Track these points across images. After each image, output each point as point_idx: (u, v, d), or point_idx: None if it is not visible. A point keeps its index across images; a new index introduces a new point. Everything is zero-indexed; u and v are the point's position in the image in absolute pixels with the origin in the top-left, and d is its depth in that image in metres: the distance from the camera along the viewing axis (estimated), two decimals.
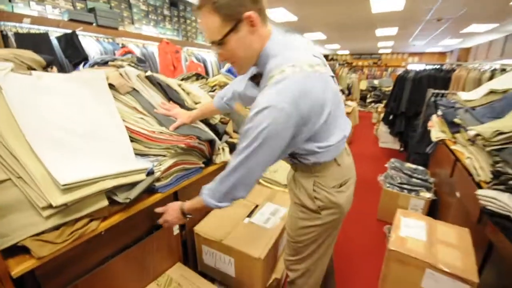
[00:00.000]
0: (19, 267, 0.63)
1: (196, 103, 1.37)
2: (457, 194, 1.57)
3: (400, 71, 7.26)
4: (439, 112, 2.13)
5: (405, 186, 2.09)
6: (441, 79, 3.60)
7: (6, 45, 2.11)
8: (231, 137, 1.52)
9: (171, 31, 3.88)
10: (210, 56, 4.20)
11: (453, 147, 1.74)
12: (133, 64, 1.56)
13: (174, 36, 3.92)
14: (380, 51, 11.33)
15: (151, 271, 1.09)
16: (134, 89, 1.16)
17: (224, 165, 1.35)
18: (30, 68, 1.14)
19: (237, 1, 0.67)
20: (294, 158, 0.86)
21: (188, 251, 1.29)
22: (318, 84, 0.70)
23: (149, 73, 1.27)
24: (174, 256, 1.19)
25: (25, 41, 2.21)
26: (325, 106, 0.72)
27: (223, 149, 1.37)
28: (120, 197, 0.84)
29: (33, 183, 0.69)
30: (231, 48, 0.73)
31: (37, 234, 0.68)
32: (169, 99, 1.25)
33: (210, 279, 1.28)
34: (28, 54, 1.17)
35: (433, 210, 2.01)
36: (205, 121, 1.32)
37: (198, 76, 2.13)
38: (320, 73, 0.71)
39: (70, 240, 0.72)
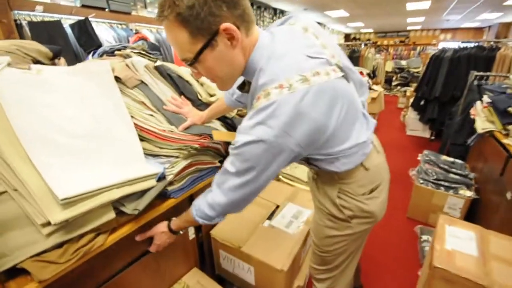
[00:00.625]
0: None
1: (211, 95, 1.24)
2: (508, 195, 1.37)
3: (430, 49, 6.64)
4: (486, 99, 1.86)
5: (441, 182, 1.89)
6: (482, 59, 3.19)
7: (21, 34, 2.07)
8: None
9: None
10: None
11: (505, 141, 1.51)
12: (144, 52, 1.45)
13: None
14: (409, 28, 10.43)
15: (167, 278, 1.03)
16: (142, 82, 1.05)
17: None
18: (35, 61, 1.06)
19: (207, 10, 0.51)
20: (309, 164, 0.75)
21: (205, 254, 1.22)
22: (317, 103, 0.55)
23: (158, 63, 1.15)
24: (190, 261, 1.12)
25: (39, 30, 2.16)
26: (329, 121, 0.58)
27: None
28: (128, 208, 0.75)
29: (30, 196, 0.61)
30: (208, 67, 0.60)
31: (38, 254, 0.61)
32: (181, 93, 1.13)
33: (229, 283, 1.21)
34: (33, 45, 1.09)
35: (473, 211, 1.81)
36: (220, 116, 1.20)
37: None
38: (320, 85, 0.55)
39: (75, 258, 0.65)
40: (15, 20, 2.08)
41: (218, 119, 1.21)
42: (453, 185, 1.85)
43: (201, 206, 0.72)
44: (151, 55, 1.46)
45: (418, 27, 10.13)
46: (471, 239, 1.02)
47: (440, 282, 0.92)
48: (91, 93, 0.91)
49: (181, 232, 0.87)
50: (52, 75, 0.86)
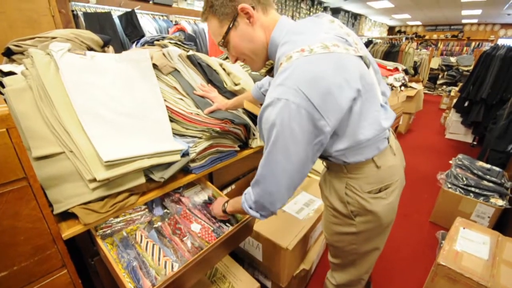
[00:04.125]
0: (69, 231, 0.72)
1: (236, 84, 1.34)
2: None
3: (487, 46, 5.98)
4: None
5: (472, 189, 1.78)
6: None
7: (77, 23, 2.36)
8: None
9: None
10: None
11: None
12: (179, 43, 1.59)
13: None
14: (463, 21, 9.41)
15: None
16: (175, 69, 1.17)
17: (260, 149, 1.33)
18: (89, 48, 1.25)
19: None
20: (321, 156, 0.75)
21: None
22: (333, 68, 0.56)
23: (191, 52, 1.27)
24: None
25: (92, 20, 2.43)
26: (342, 95, 0.57)
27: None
28: (156, 176, 0.88)
29: (82, 157, 0.76)
30: (234, 45, 0.70)
31: (85, 203, 0.76)
32: (208, 80, 1.24)
33: (240, 259, 1.32)
34: (88, 34, 1.27)
35: (503, 221, 1.69)
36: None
37: None
38: (339, 54, 0.58)
39: (112, 211, 0.79)
40: (72, 11, 2.37)
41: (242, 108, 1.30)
42: (485, 193, 1.74)
43: (248, 194, 0.74)
44: (185, 46, 1.59)
45: (475, 20, 9.10)
46: (485, 243, 0.99)
47: (443, 279, 0.92)
48: (133, 78, 1.05)
49: (229, 216, 0.94)
50: (103, 60, 1.02)
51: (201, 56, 1.31)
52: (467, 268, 0.89)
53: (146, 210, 0.97)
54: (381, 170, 0.74)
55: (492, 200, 1.68)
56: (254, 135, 1.27)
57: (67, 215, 0.75)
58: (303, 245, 1.22)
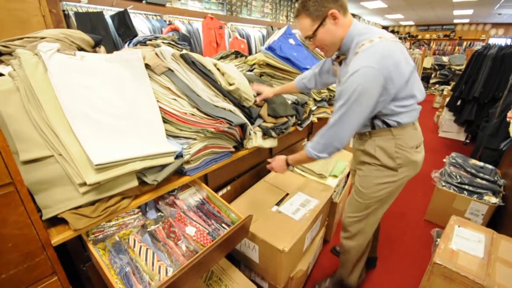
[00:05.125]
0: (59, 237, 0.70)
1: (230, 84, 1.32)
2: None
3: (479, 46, 6.06)
4: None
5: (465, 186, 1.80)
6: None
7: (68, 23, 2.31)
8: (265, 121, 1.46)
9: (216, 6, 3.81)
10: (254, 32, 4.05)
11: None
12: (173, 43, 1.57)
13: (218, 11, 3.85)
14: (455, 21, 9.55)
15: None
16: (169, 69, 1.15)
17: (255, 150, 1.32)
18: (79, 48, 1.22)
19: (322, 5, 0.89)
20: (378, 119, 0.99)
21: None
22: (399, 50, 0.89)
23: (184, 51, 1.25)
24: None
25: (84, 20, 2.39)
26: (405, 67, 0.88)
27: (255, 133, 1.32)
28: (149, 179, 0.86)
29: (71, 160, 0.74)
30: (320, 38, 0.95)
31: (75, 208, 0.74)
32: (204, 77, 1.22)
33: (236, 260, 1.31)
34: (78, 34, 1.24)
35: (497, 219, 1.71)
36: (238, 104, 1.27)
37: (237, 54, 2.06)
38: (400, 44, 0.92)
39: (104, 215, 0.77)
40: (63, 11, 2.32)
41: (238, 107, 1.28)
42: (478, 190, 1.75)
43: (312, 143, 1.00)
44: (179, 46, 1.57)
45: (466, 20, 9.24)
46: (480, 241, 1.00)
47: (440, 278, 0.92)
48: (124, 78, 1.03)
49: (292, 167, 1.17)
50: (93, 61, 1.00)
51: (195, 56, 1.29)
52: (463, 266, 0.89)
53: (140, 213, 0.95)
54: (417, 131, 1.04)
55: (486, 197, 1.70)
56: (250, 134, 1.26)
57: (57, 221, 0.72)
58: (300, 246, 1.21)
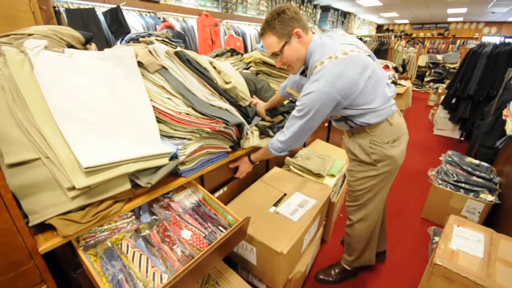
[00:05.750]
0: (46, 244, 0.66)
1: (227, 83, 1.29)
2: None
3: (472, 44, 6.11)
4: None
5: (462, 185, 1.80)
6: None
7: (59, 20, 2.24)
8: (263, 119, 1.43)
9: (211, 3, 3.75)
10: (250, 29, 4.01)
11: None
12: (167, 40, 1.53)
13: (213, 8, 3.80)
14: (449, 19, 9.62)
15: None
16: (163, 67, 1.11)
17: (252, 149, 1.29)
18: (69, 45, 1.17)
19: (288, 25, 0.97)
20: (350, 121, 1.07)
21: None
22: (351, 66, 0.92)
23: (178, 49, 1.21)
24: None
25: (75, 16, 2.32)
26: (359, 81, 0.94)
27: (252, 133, 1.29)
28: (142, 181, 0.83)
29: (59, 163, 0.70)
30: (286, 55, 1.02)
31: (64, 214, 0.70)
32: (200, 76, 1.19)
33: (233, 263, 1.29)
34: (67, 31, 1.19)
35: (493, 217, 1.71)
36: (235, 103, 1.24)
37: (233, 52, 2.03)
38: (355, 56, 0.94)
39: (94, 220, 0.74)
40: (54, 7, 2.25)
41: (235, 108, 1.25)
42: (474, 188, 1.76)
43: (275, 142, 1.12)
44: (173, 43, 1.53)
45: (460, 19, 9.32)
46: (479, 241, 0.99)
47: (440, 279, 0.91)
48: (116, 77, 0.99)
49: (257, 163, 1.29)
50: (83, 58, 0.95)
51: (190, 53, 1.25)
52: (463, 267, 0.88)
53: (133, 217, 0.92)
54: (393, 126, 1.07)
55: (482, 195, 1.71)
56: (247, 134, 1.23)
57: (45, 227, 0.69)
58: (298, 248, 1.19)
